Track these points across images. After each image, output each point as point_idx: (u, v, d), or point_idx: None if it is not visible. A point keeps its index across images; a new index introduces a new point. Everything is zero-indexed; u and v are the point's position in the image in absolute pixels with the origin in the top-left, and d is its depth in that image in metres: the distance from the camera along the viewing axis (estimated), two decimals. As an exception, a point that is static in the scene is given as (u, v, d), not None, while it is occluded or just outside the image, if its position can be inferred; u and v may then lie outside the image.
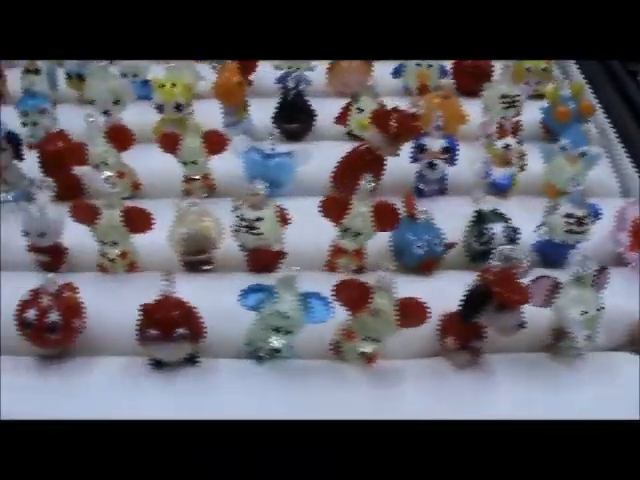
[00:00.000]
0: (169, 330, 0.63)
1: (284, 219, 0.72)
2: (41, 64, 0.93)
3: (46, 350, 0.67)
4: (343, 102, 0.91)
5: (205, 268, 0.74)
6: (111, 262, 0.73)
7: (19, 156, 0.81)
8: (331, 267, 0.74)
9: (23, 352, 0.67)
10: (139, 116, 0.88)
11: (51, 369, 0.67)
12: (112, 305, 0.70)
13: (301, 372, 0.67)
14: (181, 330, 0.63)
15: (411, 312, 0.63)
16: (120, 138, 0.79)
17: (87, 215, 0.71)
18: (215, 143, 0.78)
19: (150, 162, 0.83)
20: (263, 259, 0.73)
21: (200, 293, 0.68)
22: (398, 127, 0.78)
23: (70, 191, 0.80)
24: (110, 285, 0.72)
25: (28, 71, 0.91)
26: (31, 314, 0.64)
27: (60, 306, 0.64)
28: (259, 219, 0.70)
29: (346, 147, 0.86)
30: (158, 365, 0.66)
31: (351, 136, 0.89)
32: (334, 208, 0.71)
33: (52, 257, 0.74)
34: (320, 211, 0.71)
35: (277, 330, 0.64)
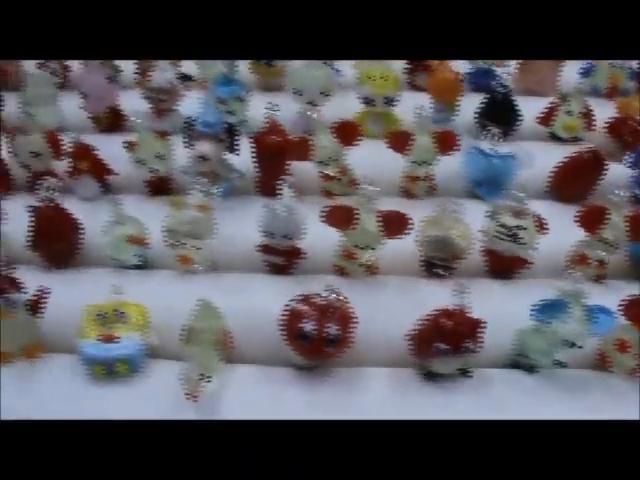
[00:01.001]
0: (459, 344, 0.61)
1: (542, 227, 0.69)
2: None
3: (313, 362, 0.64)
4: (537, 101, 0.88)
5: (443, 273, 0.72)
6: (360, 267, 0.69)
7: (234, 149, 0.76)
8: (582, 273, 0.66)
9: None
10: (336, 107, 0.84)
11: (314, 380, 0.63)
12: (370, 314, 0.66)
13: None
14: (466, 344, 0.61)
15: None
16: (348, 134, 0.74)
17: (342, 218, 0.67)
18: (447, 142, 0.75)
19: (361, 158, 0.79)
20: (508, 265, 0.71)
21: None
22: (634, 135, 0.77)
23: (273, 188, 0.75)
24: (358, 291, 0.68)
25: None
26: (309, 326, 0.60)
27: (337, 318, 0.60)
28: (521, 227, 0.68)
29: (550, 148, 0.85)
30: (430, 376, 0.64)
31: (554, 137, 0.86)
32: (592, 219, 0.69)
33: (287, 259, 0.70)
34: (577, 221, 0.69)
35: (565, 343, 0.62)
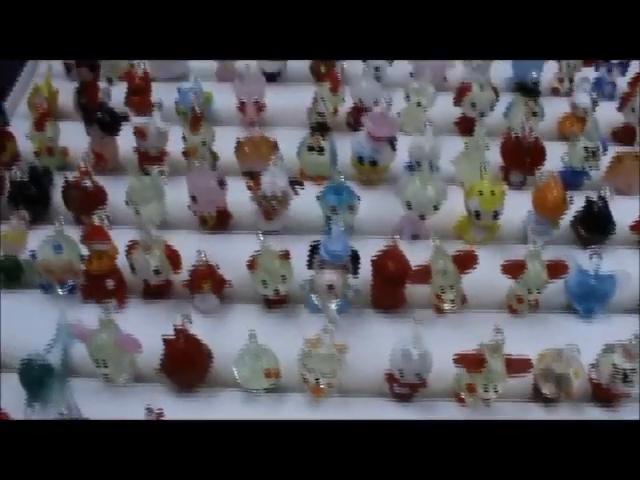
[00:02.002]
0: None
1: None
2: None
3: None
4: (627, 201, 0.91)
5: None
6: (478, 400, 0.72)
7: (356, 272, 0.77)
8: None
9: None
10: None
11: None
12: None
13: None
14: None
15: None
16: (466, 262, 0.76)
17: (474, 362, 0.71)
18: (557, 270, 0.77)
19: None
20: (612, 396, 0.75)
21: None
22: None
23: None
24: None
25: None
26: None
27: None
28: (634, 370, 0.72)
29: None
30: None
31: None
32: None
33: (412, 389, 0.74)
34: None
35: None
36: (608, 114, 1.01)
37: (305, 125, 0.97)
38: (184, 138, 0.88)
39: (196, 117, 0.87)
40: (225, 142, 0.93)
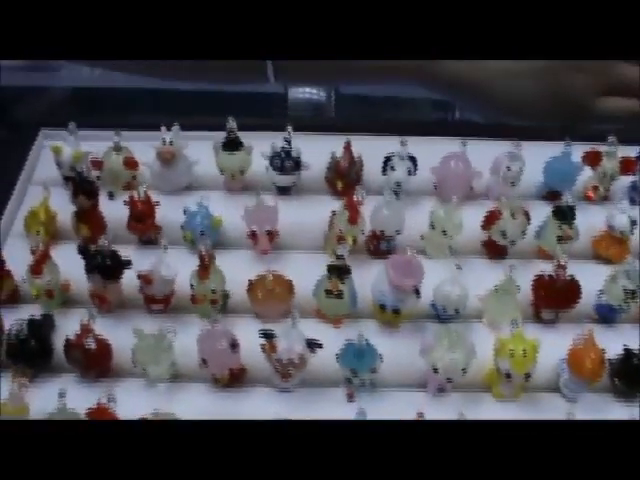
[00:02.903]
0: None
1: None
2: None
3: None
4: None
5: None
6: None
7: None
8: None
9: None
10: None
11: None
12: None
13: None
14: None
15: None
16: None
17: None
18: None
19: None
20: None
21: None
22: None
23: None
24: None
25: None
26: None
27: None
28: None
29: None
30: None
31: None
32: None
33: None
34: None
35: None
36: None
37: (321, 246, 0.92)
38: (192, 286, 0.82)
39: (204, 265, 0.80)
40: (236, 271, 0.87)
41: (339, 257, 0.82)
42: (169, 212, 0.92)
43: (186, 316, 0.86)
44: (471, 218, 0.90)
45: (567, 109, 1.02)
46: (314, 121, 1.34)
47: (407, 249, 0.79)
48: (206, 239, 0.82)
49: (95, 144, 0.96)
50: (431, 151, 0.95)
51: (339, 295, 0.82)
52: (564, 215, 0.87)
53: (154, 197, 0.92)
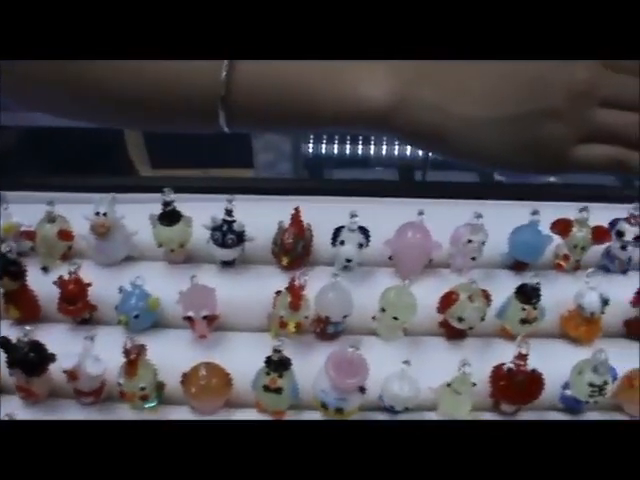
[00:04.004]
0: None
1: None
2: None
3: None
4: None
5: None
6: None
7: None
8: None
9: None
10: None
11: None
12: None
13: None
14: None
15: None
16: None
17: None
18: None
19: None
20: None
21: None
22: None
23: None
24: None
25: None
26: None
27: None
28: None
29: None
30: None
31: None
32: None
33: None
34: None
35: None
36: (620, 292, 0.86)
37: (266, 325, 0.85)
38: (119, 384, 0.76)
39: (131, 362, 0.74)
40: (174, 356, 0.81)
41: (276, 351, 0.75)
42: (106, 287, 0.86)
43: (119, 408, 0.80)
44: (429, 294, 0.83)
45: (540, 160, 0.93)
46: (264, 183, 1.23)
47: (347, 347, 0.73)
48: (133, 338, 0.76)
49: (25, 207, 0.90)
50: (389, 215, 0.89)
51: (278, 391, 0.76)
52: (528, 296, 0.80)
53: (91, 270, 0.87)
